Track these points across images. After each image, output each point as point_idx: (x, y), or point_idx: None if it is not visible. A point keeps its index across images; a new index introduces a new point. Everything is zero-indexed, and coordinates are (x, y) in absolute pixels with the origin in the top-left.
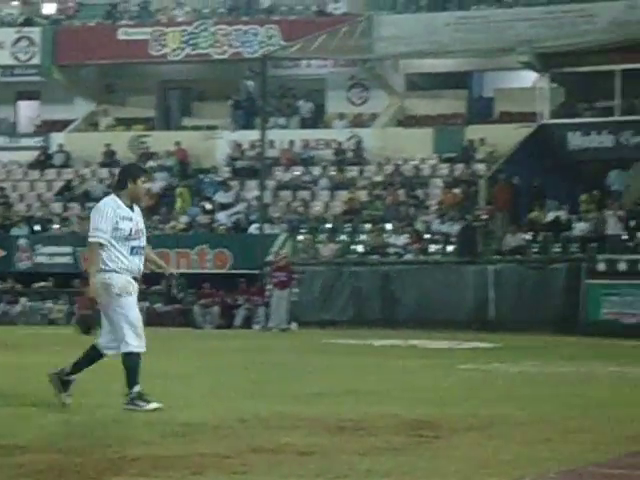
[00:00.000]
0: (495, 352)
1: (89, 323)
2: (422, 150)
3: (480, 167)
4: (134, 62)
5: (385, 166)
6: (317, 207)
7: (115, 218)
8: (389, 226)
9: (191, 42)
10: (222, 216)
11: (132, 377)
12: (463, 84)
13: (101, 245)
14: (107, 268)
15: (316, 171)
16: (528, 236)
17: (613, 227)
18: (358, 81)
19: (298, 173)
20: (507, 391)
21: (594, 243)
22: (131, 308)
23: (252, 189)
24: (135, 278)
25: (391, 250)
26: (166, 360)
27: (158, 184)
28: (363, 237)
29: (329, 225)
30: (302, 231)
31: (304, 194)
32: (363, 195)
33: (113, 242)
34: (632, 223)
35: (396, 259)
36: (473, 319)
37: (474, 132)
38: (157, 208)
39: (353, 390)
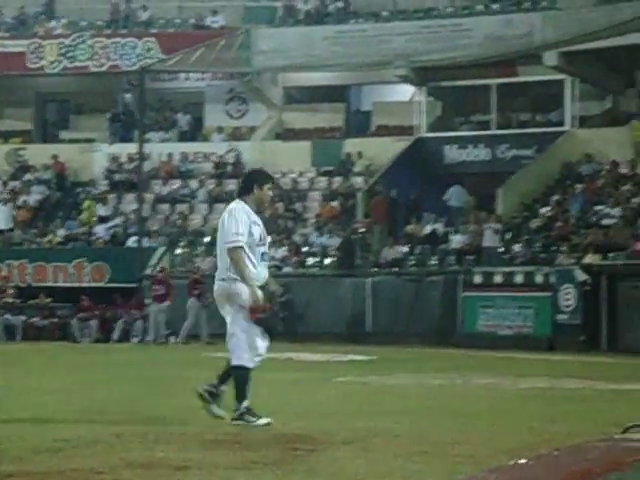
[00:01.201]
0: (372, 365)
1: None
2: (300, 163)
3: (358, 180)
4: (11, 74)
5: None
6: (195, 220)
7: (249, 223)
8: (267, 239)
9: (69, 55)
10: (100, 229)
11: (241, 391)
12: (341, 98)
13: (242, 248)
14: (236, 277)
15: (194, 184)
16: (405, 249)
17: (489, 240)
18: (236, 94)
19: (176, 186)
20: (383, 404)
21: (470, 256)
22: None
23: (130, 202)
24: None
25: (270, 263)
26: (42, 374)
27: (35, 197)
28: None
29: (207, 238)
30: (180, 244)
31: (182, 207)
32: None
33: (246, 248)
34: (508, 235)
35: (275, 272)
36: (350, 332)
37: (352, 145)
38: (34, 221)
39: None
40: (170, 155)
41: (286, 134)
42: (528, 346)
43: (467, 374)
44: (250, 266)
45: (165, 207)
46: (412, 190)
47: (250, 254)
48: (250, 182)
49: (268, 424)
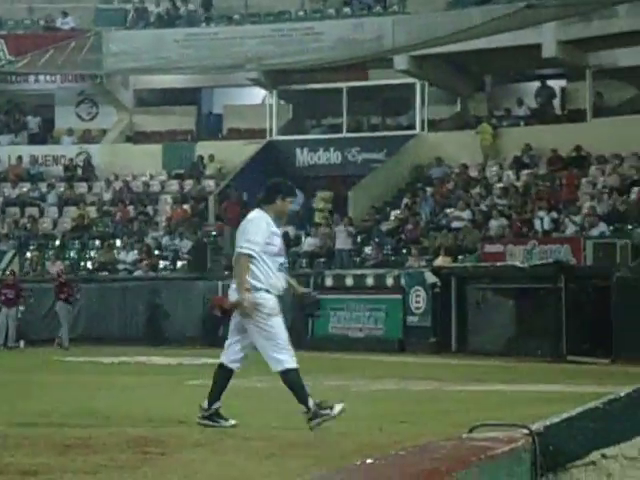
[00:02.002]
0: None
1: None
2: (152, 166)
3: (209, 183)
4: None
5: (114, 182)
6: (45, 224)
7: (268, 232)
8: (119, 242)
9: None
10: None
11: (300, 393)
12: (193, 100)
13: (250, 257)
14: (260, 286)
15: (44, 187)
16: None
17: (341, 242)
18: (87, 97)
19: (26, 189)
20: (234, 407)
21: (322, 258)
22: (281, 328)
23: None
24: (279, 296)
25: (121, 266)
26: None
27: None
28: (93, 254)
29: (58, 242)
30: (30, 248)
31: (32, 210)
32: (92, 211)
33: (264, 257)
34: (359, 238)
35: (126, 275)
36: (203, 335)
37: (203, 148)
38: None
39: (79, 408)
40: (19, 158)
41: (137, 137)
42: (379, 348)
43: (318, 376)
44: (270, 274)
45: (14, 210)
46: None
47: (269, 263)
48: (274, 193)
49: (343, 410)
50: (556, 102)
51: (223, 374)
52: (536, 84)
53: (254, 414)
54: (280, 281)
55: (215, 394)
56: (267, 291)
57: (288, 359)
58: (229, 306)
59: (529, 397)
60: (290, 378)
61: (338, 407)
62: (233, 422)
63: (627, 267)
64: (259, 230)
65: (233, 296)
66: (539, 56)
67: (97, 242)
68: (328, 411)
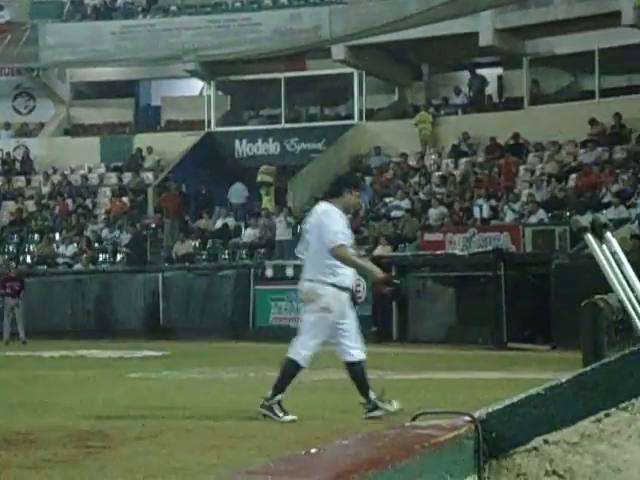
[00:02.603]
0: (165, 360)
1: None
2: (90, 159)
3: (148, 175)
4: None
5: (53, 175)
6: None
7: (343, 224)
8: (58, 236)
9: None
10: None
11: (281, 384)
12: (130, 93)
13: (344, 245)
14: (328, 281)
15: None
16: (197, 243)
17: (282, 233)
18: (24, 90)
19: None
20: (175, 399)
21: (263, 249)
22: (321, 327)
23: None
24: (348, 289)
25: (60, 260)
26: None
27: None
28: (32, 247)
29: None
30: None
31: None
32: (31, 205)
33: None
34: (300, 228)
35: (66, 269)
36: (144, 327)
37: (142, 140)
38: None
39: (20, 403)
40: None
41: (75, 130)
42: None
43: (260, 367)
44: (340, 270)
45: None
46: (203, 185)
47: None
48: (342, 186)
49: (293, 421)
50: (493, 90)
51: (292, 368)
52: (475, 72)
53: (196, 407)
54: (349, 275)
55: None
56: (333, 285)
57: (303, 356)
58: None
59: (471, 384)
60: (290, 369)
61: (289, 417)
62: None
63: (566, 254)
64: (336, 221)
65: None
66: (476, 44)
67: (36, 236)
68: (281, 415)
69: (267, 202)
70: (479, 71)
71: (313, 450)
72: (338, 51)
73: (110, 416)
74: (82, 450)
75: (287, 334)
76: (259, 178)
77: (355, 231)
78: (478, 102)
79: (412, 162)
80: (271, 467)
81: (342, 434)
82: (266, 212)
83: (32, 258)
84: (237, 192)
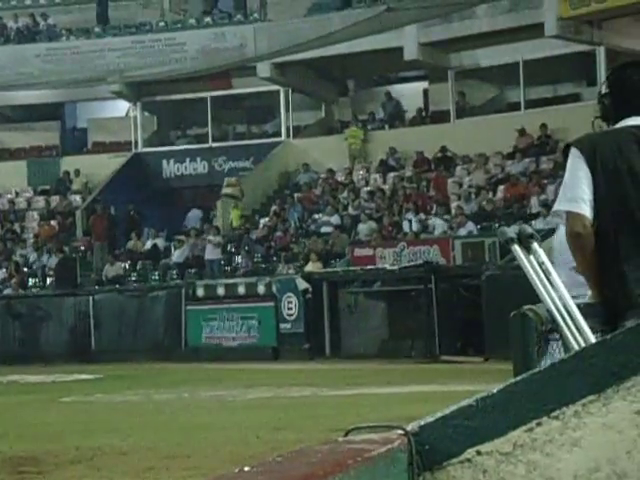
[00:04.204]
0: (97, 383)
1: None
2: (17, 183)
3: (76, 198)
4: None
5: None
6: None
7: None
8: None
9: None
10: None
11: None
12: (56, 115)
13: None
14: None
15: None
16: (127, 265)
17: (211, 252)
18: None
19: None
20: (109, 422)
21: (193, 269)
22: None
23: None
24: None
25: None
26: None
27: None
28: None
29: None
30: None
31: None
32: None
33: None
34: (229, 247)
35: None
36: (74, 351)
37: (69, 163)
38: None
39: None
40: None
41: (1, 154)
42: (254, 357)
43: (194, 388)
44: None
45: None
46: (131, 206)
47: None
48: None
49: None
50: (418, 104)
51: None
52: (399, 86)
53: (130, 429)
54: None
55: None
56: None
57: None
58: None
59: (404, 398)
60: None
61: None
62: None
63: (496, 265)
64: None
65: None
66: (401, 59)
67: None
68: None
69: (235, 217)
70: (403, 86)
71: (246, 468)
72: (263, 69)
73: (44, 441)
74: (16, 476)
75: (221, 353)
76: (224, 191)
77: (285, 248)
78: (401, 117)
79: (340, 178)
80: None
81: (276, 452)
82: (196, 232)
83: None
84: (194, 217)
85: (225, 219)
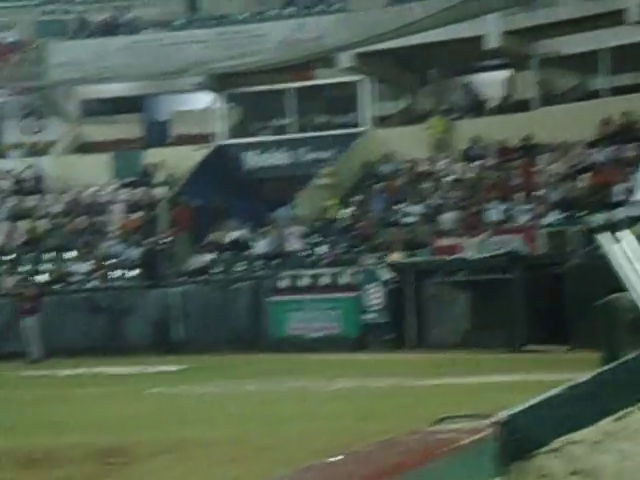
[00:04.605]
0: (182, 374)
1: None
2: (101, 176)
3: (160, 190)
4: None
5: (64, 194)
6: None
7: None
8: (71, 254)
9: None
10: None
11: None
12: (139, 108)
13: None
14: None
15: None
16: (211, 257)
17: (294, 243)
18: (33, 109)
19: None
20: (195, 413)
21: (276, 260)
22: None
23: None
24: None
25: (75, 278)
26: None
27: None
28: (46, 266)
29: (10, 256)
30: None
31: None
32: (44, 224)
33: None
34: (311, 238)
35: (80, 287)
36: (159, 342)
37: (152, 156)
38: None
39: (39, 422)
40: None
41: (85, 147)
42: (337, 347)
43: (278, 378)
44: None
45: None
46: (215, 197)
47: None
48: None
49: None
50: (502, 92)
51: None
52: (482, 75)
53: (216, 420)
54: None
55: None
56: None
57: None
58: None
59: (489, 388)
60: None
61: None
62: None
63: (579, 254)
64: None
65: None
66: (483, 47)
67: (50, 255)
68: None
69: (333, 207)
70: (485, 75)
71: (337, 458)
72: (345, 59)
73: (130, 432)
74: (104, 467)
75: (305, 344)
76: (319, 182)
77: (368, 238)
78: (481, 108)
79: (423, 167)
80: (296, 477)
81: (364, 442)
82: (280, 223)
83: (47, 277)
84: (278, 208)
85: (310, 209)
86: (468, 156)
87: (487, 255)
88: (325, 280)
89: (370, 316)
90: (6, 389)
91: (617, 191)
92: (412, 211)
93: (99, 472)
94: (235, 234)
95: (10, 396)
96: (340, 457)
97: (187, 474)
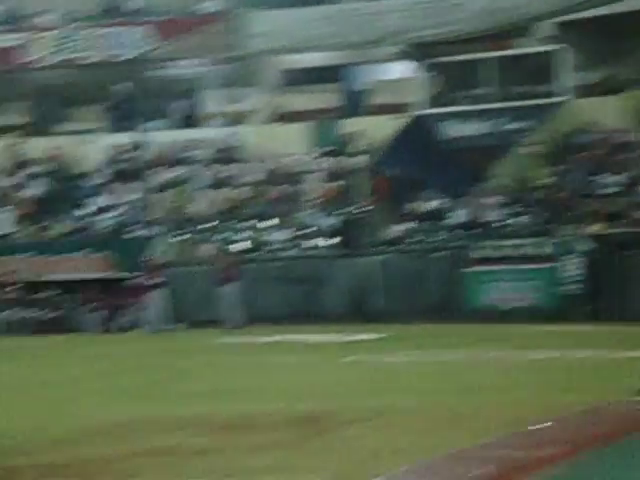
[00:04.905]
0: (380, 343)
1: None
2: (300, 145)
3: (358, 160)
4: (5, 69)
5: (264, 162)
6: (198, 206)
7: None
8: (269, 223)
9: (63, 46)
10: (103, 219)
11: None
12: (338, 77)
13: None
14: None
15: (195, 171)
16: (408, 226)
17: (492, 213)
18: (233, 79)
19: (177, 173)
20: (392, 382)
21: (474, 230)
22: None
23: (132, 191)
24: None
25: (273, 246)
26: (53, 366)
27: (35, 191)
28: (244, 235)
29: (211, 224)
30: (183, 231)
31: (184, 194)
32: (243, 192)
33: None
34: (511, 209)
35: (278, 255)
36: (357, 311)
37: (350, 125)
38: (36, 215)
39: (239, 388)
40: (169, 142)
41: (284, 116)
42: (533, 318)
43: (476, 348)
44: None
45: (166, 195)
46: (412, 167)
47: None
48: None
49: None
50: None
51: None
52: None
53: (414, 389)
54: None
55: None
56: None
57: None
58: None
59: None
60: None
61: None
62: None
63: None
64: None
65: None
66: None
67: (248, 223)
68: None
69: (534, 177)
70: None
71: (541, 425)
72: (545, 28)
73: (326, 400)
74: (300, 434)
75: (501, 314)
76: (524, 150)
77: (568, 209)
78: None
79: (623, 138)
80: (503, 441)
81: (564, 412)
82: (477, 193)
83: (245, 245)
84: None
85: (511, 179)
86: None
87: None
88: (523, 251)
89: (568, 287)
90: (205, 356)
91: None
92: (612, 182)
93: (295, 439)
94: (433, 204)
95: (209, 363)
96: (544, 425)
97: (384, 442)
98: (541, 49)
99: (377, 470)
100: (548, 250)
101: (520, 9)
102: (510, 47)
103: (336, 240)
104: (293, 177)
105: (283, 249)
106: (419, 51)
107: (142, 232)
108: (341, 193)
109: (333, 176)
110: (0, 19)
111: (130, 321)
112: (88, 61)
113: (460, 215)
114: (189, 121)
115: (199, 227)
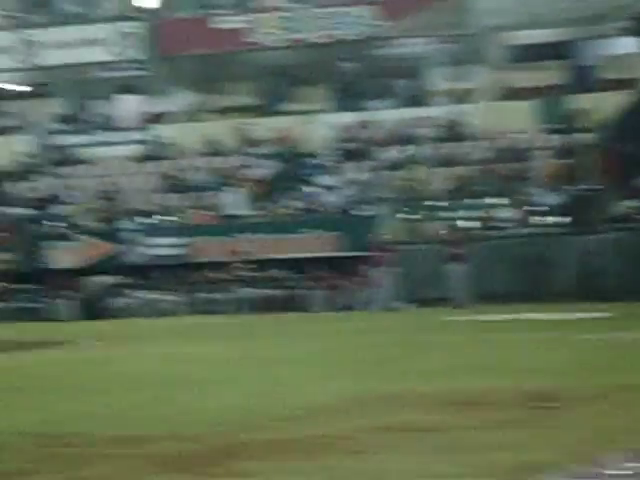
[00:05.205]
0: (609, 321)
1: None
2: (526, 122)
3: (586, 136)
4: (231, 50)
5: (489, 140)
6: (427, 185)
7: None
8: (497, 200)
9: (288, 27)
10: (331, 199)
11: None
12: (563, 54)
13: None
14: None
15: (420, 149)
16: (636, 203)
17: None
18: (459, 56)
19: (403, 152)
20: (624, 360)
21: None
22: None
23: (357, 170)
24: None
25: (501, 224)
26: (277, 345)
27: (264, 171)
28: (472, 213)
29: (440, 202)
30: (412, 209)
31: (410, 173)
32: (471, 171)
33: None
34: None
35: (507, 233)
36: (584, 289)
37: (577, 101)
38: (266, 195)
39: (469, 365)
40: (396, 121)
41: (509, 94)
42: None
43: None
44: None
45: (394, 174)
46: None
47: None
48: None
49: None
50: None
51: None
52: None
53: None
54: None
55: None
56: None
57: None
58: None
59: None
60: None
61: None
62: None
63: None
64: None
65: None
66: None
67: (477, 201)
68: None
69: None
70: None
71: None
72: None
73: (557, 377)
74: (530, 411)
75: None
76: None
77: None
78: None
79: None
80: None
81: None
82: None
83: (473, 223)
84: None
85: None
86: None
87: None
88: None
89: None
90: (431, 333)
91: None
92: None
93: (526, 416)
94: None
95: (435, 340)
96: None
97: (619, 422)
98: None
99: (613, 447)
100: None
101: None
102: None
103: (565, 218)
104: (521, 155)
105: (511, 227)
106: None
107: (371, 211)
108: (569, 170)
109: (561, 153)
110: (228, 1)
111: (357, 300)
112: (314, 41)
113: None
114: (415, 99)
115: (428, 205)
